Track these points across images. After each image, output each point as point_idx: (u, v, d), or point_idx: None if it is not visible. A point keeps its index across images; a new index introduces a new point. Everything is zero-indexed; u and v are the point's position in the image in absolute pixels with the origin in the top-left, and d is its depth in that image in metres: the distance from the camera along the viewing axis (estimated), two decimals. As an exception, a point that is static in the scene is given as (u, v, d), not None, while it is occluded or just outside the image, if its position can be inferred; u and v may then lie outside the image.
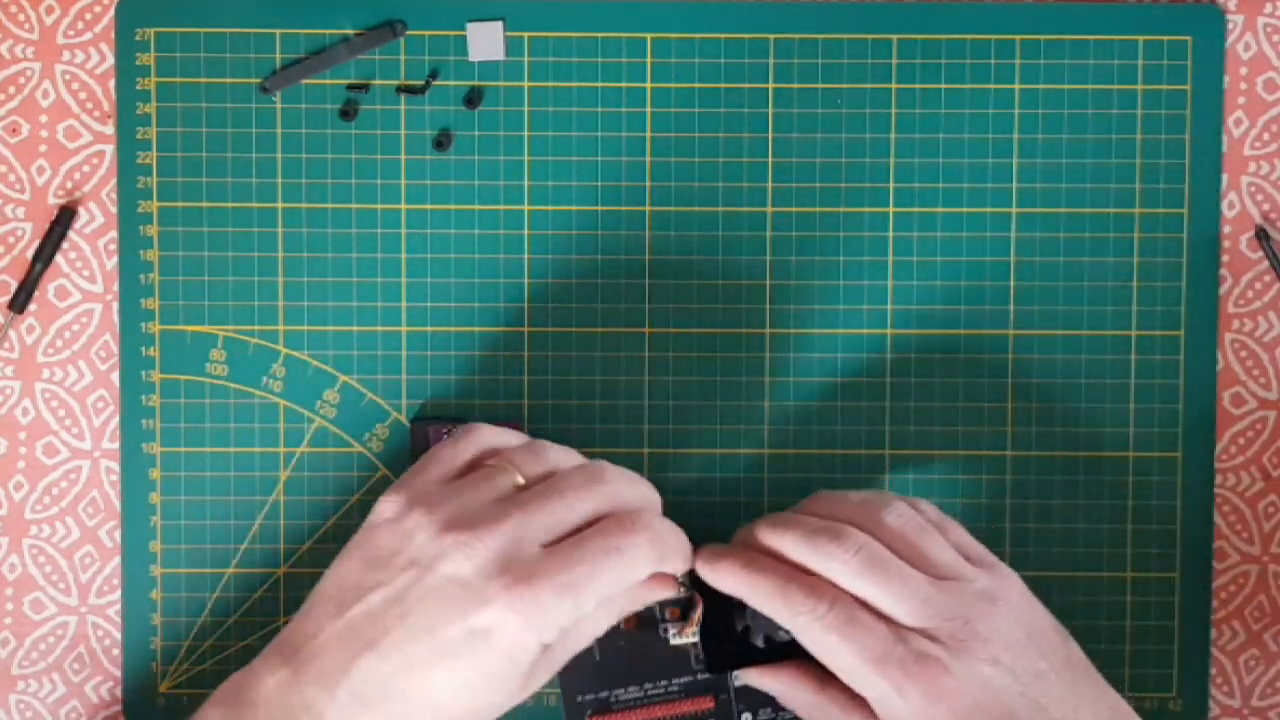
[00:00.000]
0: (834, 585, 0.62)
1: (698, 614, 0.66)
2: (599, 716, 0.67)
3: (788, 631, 0.64)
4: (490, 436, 0.65)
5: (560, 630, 0.60)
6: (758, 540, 0.64)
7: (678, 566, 0.63)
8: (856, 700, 0.63)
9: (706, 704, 0.67)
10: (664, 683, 0.67)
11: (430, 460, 0.64)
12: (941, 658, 0.61)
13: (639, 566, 0.61)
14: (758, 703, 0.67)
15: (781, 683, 0.66)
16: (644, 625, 0.67)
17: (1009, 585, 0.64)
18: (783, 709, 0.67)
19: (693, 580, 0.65)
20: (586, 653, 0.65)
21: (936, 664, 0.61)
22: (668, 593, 0.64)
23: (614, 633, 0.65)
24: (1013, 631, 0.62)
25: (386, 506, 0.62)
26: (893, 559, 0.62)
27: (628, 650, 0.67)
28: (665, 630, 0.67)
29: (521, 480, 0.62)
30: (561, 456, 0.64)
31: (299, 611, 0.62)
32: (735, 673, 0.67)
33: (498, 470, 0.63)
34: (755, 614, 0.65)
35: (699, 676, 0.67)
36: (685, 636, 0.66)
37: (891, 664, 0.61)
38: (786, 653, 0.65)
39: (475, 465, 0.64)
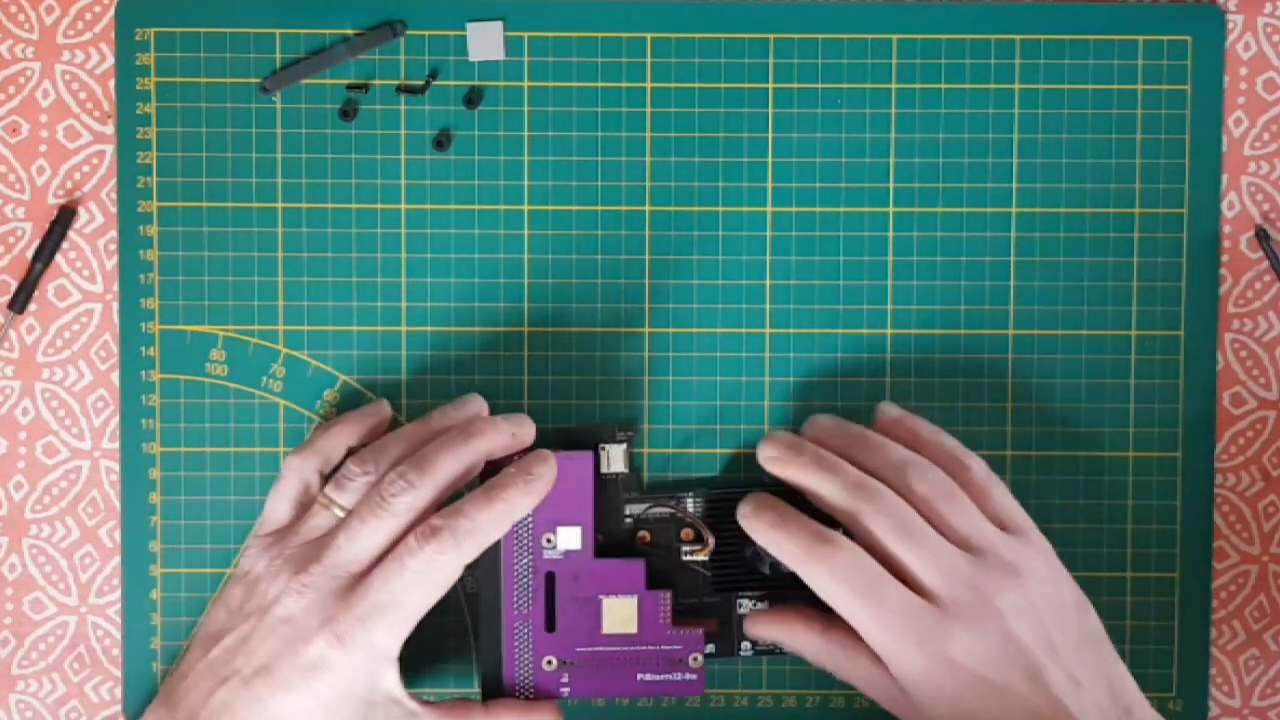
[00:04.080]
0: (856, 546, 0.64)
1: (710, 544, 0.68)
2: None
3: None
4: (299, 459, 0.69)
5: (384, 655, 0.64)
6: (802, 471, 0.66)
7: (486, 542, 0.66)
8: (861, 643, 0.65)
9: (710, 625, 0.69)
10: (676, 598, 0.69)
11: (268, 509, 0.69)
12: (955, 630, 0.63)
13: (445, 574, 0.65)
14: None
15: (785, 632, 0.68)
16: (659, 544, 0.70)
17: (1036, 555, 0.65)
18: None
19: (708, 509, 0.69)
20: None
21: (949, 635, 0.63)
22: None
23: (636, 545, 0.69)
24: (1033, 607, 0.64)
25: (242, 559, 0.68)
26: (922, 525, 0.64)
27: (648, 563, 0.69)
28: (681, 550, 0.69)
29: (340, 514, 0.67)
30: (363, 476, 0.67)
31: (178, 660, 0.68)
32: (744, 629, 0.69)
33: (319, 509, 0.67)
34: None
35: (705, 600, 0.69)
36: (698, 556, 0.69)
37: (907, 632, 0.63)
38: (790, 582, 0.67)
39: (307, 490, 0.68)
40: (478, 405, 0.70)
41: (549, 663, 0.68)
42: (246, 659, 0.64)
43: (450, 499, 0.67)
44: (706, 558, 0.69)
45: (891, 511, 0.64)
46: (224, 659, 0.65)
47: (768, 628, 0.68)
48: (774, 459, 0.67)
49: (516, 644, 0.68)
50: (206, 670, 0.65)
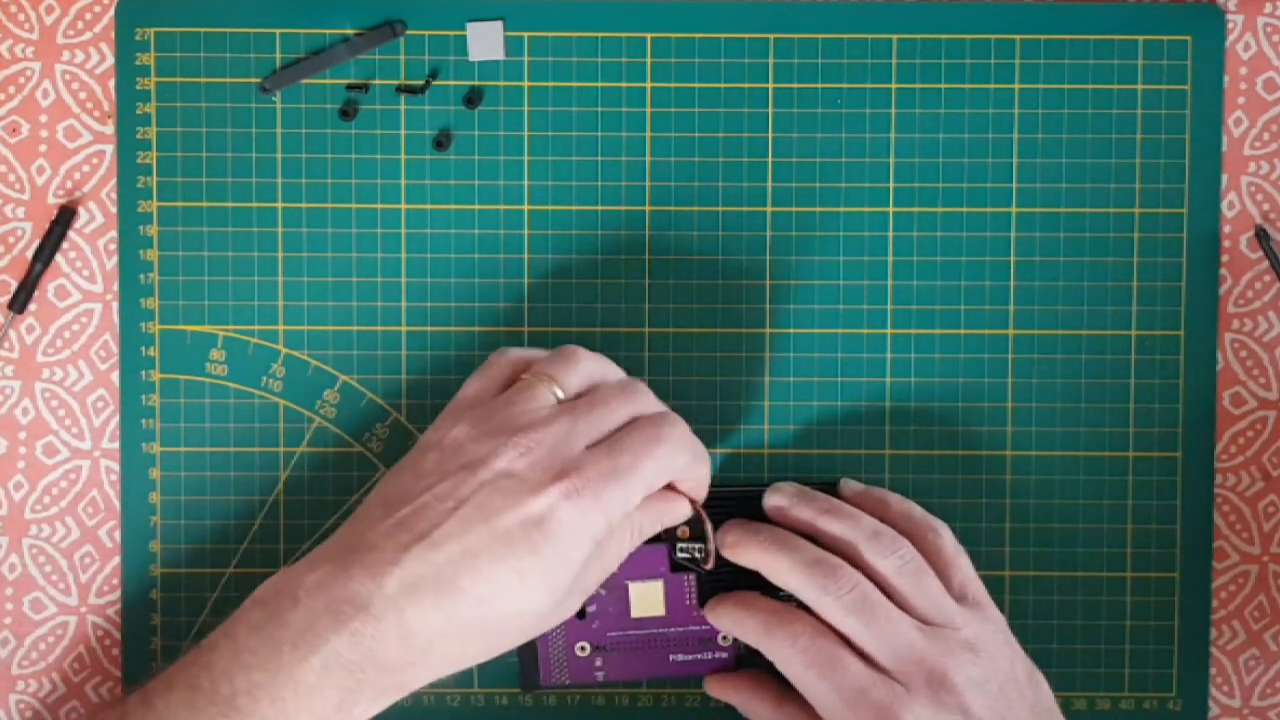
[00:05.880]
0: (814, 621, 0.64)
1: (710, 537, 0.68)
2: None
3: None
4: (518, 353, 0.66)
5: (608, 523, 0.60)
6: (761, 552, 0.66)
7: (702, 474, 0.65)
8: (812, 716, 0.65)
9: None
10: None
11: (467, 389, 0.65)
12: (913, 705, 0.62)
13: (677, 455, 0.63)
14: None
15: (739, 698, 0.68)
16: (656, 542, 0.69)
17: (992, 631, 0.65)
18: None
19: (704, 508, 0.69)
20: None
21: (907, 710, 0.62)
22: (683, 514, 0.66)
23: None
24: (988, 681, 0.64)
25: (433, 432, 0.63)
26: (882, 601, 0.64)
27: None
28: (677, 548, 0.69)
29: (560, 393, 0.63)
30: (594, 366, 0.65)
31: (342, 528, 0.61)
32: (704, 687, 0.70)
33: (536, 382, 0.63)
34: None
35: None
36: (691, 552, 0.69)
37: (864, 706, 0.63)
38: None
39: (511, 382, 0.64)
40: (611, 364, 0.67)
41: (582, 649, 0.69)
42: (454, 510, 0.58)
43: None
44: (702, 556, 0.69)
45: (848, 587, 0.64)
46: (418, 513, 0.58)
47: (724, 690, 0.69)
48: (733, 544, 0.67)
49: (551, 632, 0.68)
50: (395, 528, 0.58)
